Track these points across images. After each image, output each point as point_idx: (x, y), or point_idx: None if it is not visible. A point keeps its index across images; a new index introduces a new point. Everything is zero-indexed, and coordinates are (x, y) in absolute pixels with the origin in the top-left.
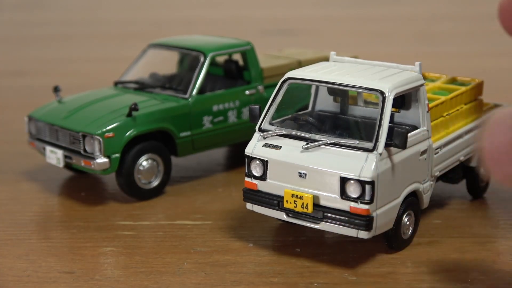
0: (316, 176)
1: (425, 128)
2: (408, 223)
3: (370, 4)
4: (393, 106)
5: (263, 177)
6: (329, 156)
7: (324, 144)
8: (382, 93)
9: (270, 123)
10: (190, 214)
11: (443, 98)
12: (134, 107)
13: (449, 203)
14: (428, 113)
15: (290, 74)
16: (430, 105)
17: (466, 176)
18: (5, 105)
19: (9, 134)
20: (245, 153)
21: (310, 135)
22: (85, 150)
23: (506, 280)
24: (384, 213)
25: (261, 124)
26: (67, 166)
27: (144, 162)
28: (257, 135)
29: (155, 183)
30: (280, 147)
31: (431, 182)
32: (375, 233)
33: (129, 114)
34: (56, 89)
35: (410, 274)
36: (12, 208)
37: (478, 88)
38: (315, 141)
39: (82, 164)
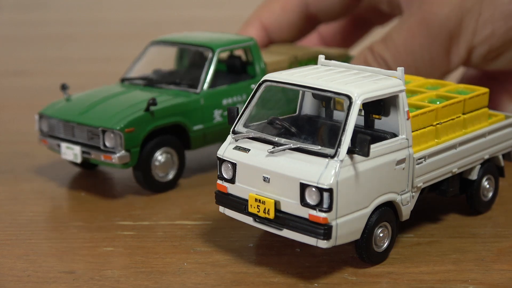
0: (278, 181)
1: (404, 136)
2: (382, 235)
3: None
4: (372, 112)
5: (232, 180)
6: (292, 161)
7: (289, 149)
8: (349, 98)
9: (246, 126)
10: (190, 214)
11: (433, 106)
12: (152, 102)
13: (449, 203)
14: (408, 121)
15: (267, 76)
16: (418, 112)
17: (466, 190)
18: (5, 105)
19: (9, 134)
20: (217, 155)
21: (276, 139)
22: (104, 145)
23: (506, 280)
24: (347, 222)
25: (235, 126)
26: (81, 162)
27: (159, 156)
28: (229, 137)
29: (170, 176)
30: (249, 150)
31: (413, 194)
32: (336, 243)
33: (147, 109)
34: (63, 87)
35: (410, 274)
36: (12, 208)
37: (482, 98)
38: (281, 145)
39: (102, 158)
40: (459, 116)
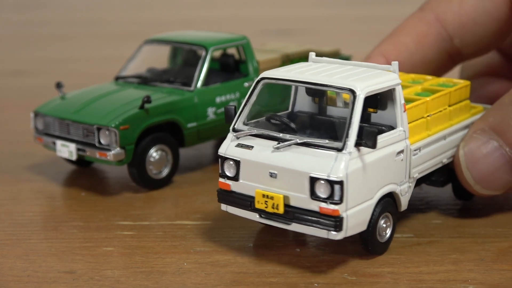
0: (286, 176)
1: (401, 128)
2: (385, 225)
3: (370, 4)
4: (368, 106)
5: (236, 178)
6: (299, 156)
7: (295, 144)
8: (353, 92)
9: (245, 123)
10: (190, 214)
11: (424, 99)
12: (147, 100)
13: (449, 203)
14: (404, 113)
15: (264, 74)
16: (411, 105)
17: (452, 179)
18: (5, 105)
19: (9, 134)
20: (219, 153)
21: (281, 134)
22: (99, 142)
23: (506, 280)
24: (356, 214)
25: (235, 124)
26: (76, 159)
27: (154, 153)
28: (230, 135)
29: (165, 173)
30: (252, 147)
31: (410, 184)
32: (346, 235)
33: (142, 106)
34: (58, 85)
35: (410, 274)
36: (12, 208)
37: (464, 90)
38: (286, 140)
39: (97, 156)
40: (446, 108)
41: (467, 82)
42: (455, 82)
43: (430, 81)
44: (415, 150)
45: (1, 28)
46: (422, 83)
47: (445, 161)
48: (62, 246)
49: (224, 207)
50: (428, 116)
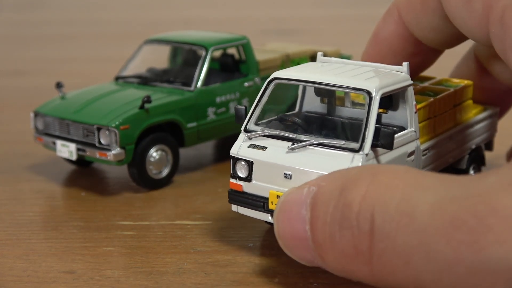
0: (301, 177)
1: (412, 129)
2: None
3: (370, 4)
4: (380, 107)
5: (248, 178)
6: (315, 157)
7: (310, 145)
8: (368, 93)
9: (256, 124)
10: (190, 214)
11: (432, 99)
12: (147, 100)
13: None
14: (415, 114)
15: (276, 74)
16: (419, 106)
17: None
18: (5, 105)
19: (9, 134)
20: (230, 153)
21: (295, 135)
22: (99, 142)
23: None
24: None
25: (246, 124)
26: (76, 159)
27: (154, 153)
28: (242, 135)
29: (165, 173)
30: (266, 147)
31: None
32: None
33: (142, 106)
34: (58, 85)
35: None
36: (12, 208)
37: (467, 90)
38: (301, 141)
39: (97, 156)
40: (451, 108)
41: (471, 82)
42: (457, 82)
43: (433, 81)
44: (424, 151)
45: (1, 28)
46: (424, 83)
47: (451, 160)
48: (62, 246)
49: (235, 207)
50: (435, 116)
